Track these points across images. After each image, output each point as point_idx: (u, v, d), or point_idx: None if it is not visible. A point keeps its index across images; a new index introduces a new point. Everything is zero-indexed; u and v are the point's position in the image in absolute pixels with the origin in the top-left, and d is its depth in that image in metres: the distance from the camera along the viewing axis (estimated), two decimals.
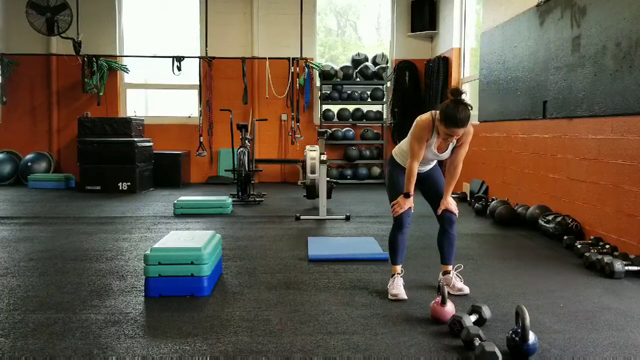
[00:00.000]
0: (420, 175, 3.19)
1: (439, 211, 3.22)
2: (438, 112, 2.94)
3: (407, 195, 3.11)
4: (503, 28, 6.35)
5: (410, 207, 3.13)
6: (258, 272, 3.70)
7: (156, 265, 3.08)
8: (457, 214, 3.24)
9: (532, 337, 2.33)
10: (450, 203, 3.22)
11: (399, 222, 3.18)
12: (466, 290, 3.20)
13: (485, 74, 6.88)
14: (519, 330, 2.34)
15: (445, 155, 3.14)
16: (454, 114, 2.83)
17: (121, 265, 3.85)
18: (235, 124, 7.64)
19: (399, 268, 3.24)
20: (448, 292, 2.82)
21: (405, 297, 3.09)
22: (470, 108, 2.87)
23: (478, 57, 7.29)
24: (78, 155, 8.28)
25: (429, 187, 3.29)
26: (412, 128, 3.09)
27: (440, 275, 3.31)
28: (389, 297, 3.10)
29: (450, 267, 3.29)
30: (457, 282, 3.25)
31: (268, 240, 4.75)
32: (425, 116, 3.05)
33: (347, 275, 3.59)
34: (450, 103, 2.86)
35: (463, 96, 2.87)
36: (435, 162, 3.28)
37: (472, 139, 3.16)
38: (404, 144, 3.24)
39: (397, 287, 3.14)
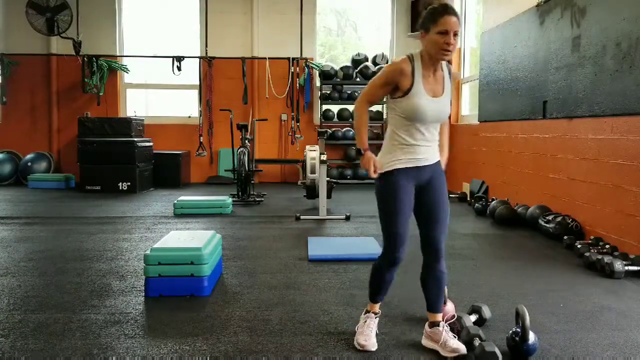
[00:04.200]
0: (421, 179, 2.36)
1: (428, 231, 2.40)
2: (412, 53, 2.35)
3: (361, 152, 2.37)
4: (503, 28, 6.35)
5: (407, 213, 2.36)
6: (258, 272, 3.70)
7: (156, 265, 3.08)
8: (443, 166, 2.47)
9: (532, 337, 2.32)
10: (443, 162, 2.49)
11: (393, 256, 2.38)
12: (462, 350, 2.33)
13: (485, 74, 6.88)
14: (519, 331, 2.33)
15: (445, 101, 2.37)
16: (440, 5, 2.29)
17: (121, 265, 3.85)
18: (235, 124, 7.64)
19: (377, 307, 2.54)
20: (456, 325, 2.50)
21: (374, 349, 2.40)
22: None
23: (478, 57, 7.29)
24: (78, 155, 8.28)
25: (427, 202, 2.38)
26: (381, 70, 2.42)
27: (427, 328, 2.46)
28: (355, 344, 2.43)
29: (439, 317, 2.45)
30: (450, 339, 2.36)
31: (268, 240, 4.75)
32: (398, 58, 2.42)
33: (347, 275, 3.59)
34: (428, 6, 2.32)
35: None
36: (433, 144, 2.40)
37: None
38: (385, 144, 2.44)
39: (367, 334, 2.44)
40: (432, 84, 2.33)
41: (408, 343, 2.48)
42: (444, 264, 2.44)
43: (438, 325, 2.41)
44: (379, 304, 2.54)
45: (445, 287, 2.67)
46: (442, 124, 2.46)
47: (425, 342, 2.45)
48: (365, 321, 2.49)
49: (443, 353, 2.34)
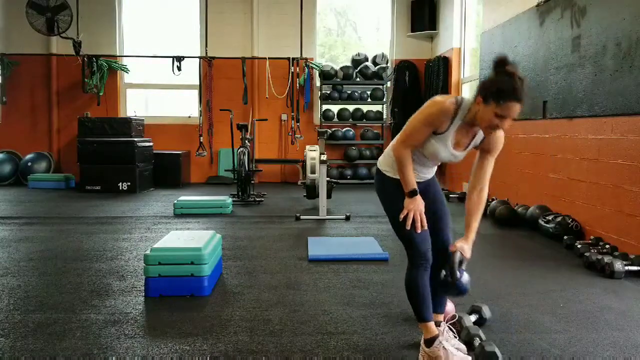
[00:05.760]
0: (418, 185, 2.31)
1: (437, 233, 2.39)
2: (462, 98, 2.21)
3: (412, 194, 2.25)
4: (503, 28, 6.35)
5: (423, 220, 2.28)
6: (258, 272, 3.70)
7: (156, 265, 3.08)
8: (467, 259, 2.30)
9: (464, 276, 2.24)
10: (467, 249, 2.30)
11: (420, 255, 2.26)
12: (463, 350, 2.29)
13: (485, 74, 6.88)
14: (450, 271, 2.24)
15: (461, 156, 2.34)
16: (512, 84, 2.04)
17: (121, 265, 3.85)
18: (235, 124, 7.64)
19: (434, 327, 2.28)
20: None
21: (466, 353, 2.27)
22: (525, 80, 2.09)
23: (478, 57, 7.29)
24: (78, 155, 8.28)
25: (427, 205, 2.34)
26: (422, 108, 2.24)
27: None
28: None
29: (440, 317, 2.44)
30: (451, 339, 2.29)
31: (268, 240, 4.75)
32: (445, 97, 2.20)
33: (347, 275, 3.59)
34: (500, 75, 2.09)
35: (510, 67, 2.10)
36: (435, 169, 2.46)
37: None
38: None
39: (459, 356, 2.21)
40: (461, 136, 2.25)
41: (408, 343, 2.48)
42: None
43: (439, 325, 2.36)
44: (432, 322, 2.29)
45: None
46: (477, 190, 2.40)
47: None
48: (440, 349, 2.20)
49: None
